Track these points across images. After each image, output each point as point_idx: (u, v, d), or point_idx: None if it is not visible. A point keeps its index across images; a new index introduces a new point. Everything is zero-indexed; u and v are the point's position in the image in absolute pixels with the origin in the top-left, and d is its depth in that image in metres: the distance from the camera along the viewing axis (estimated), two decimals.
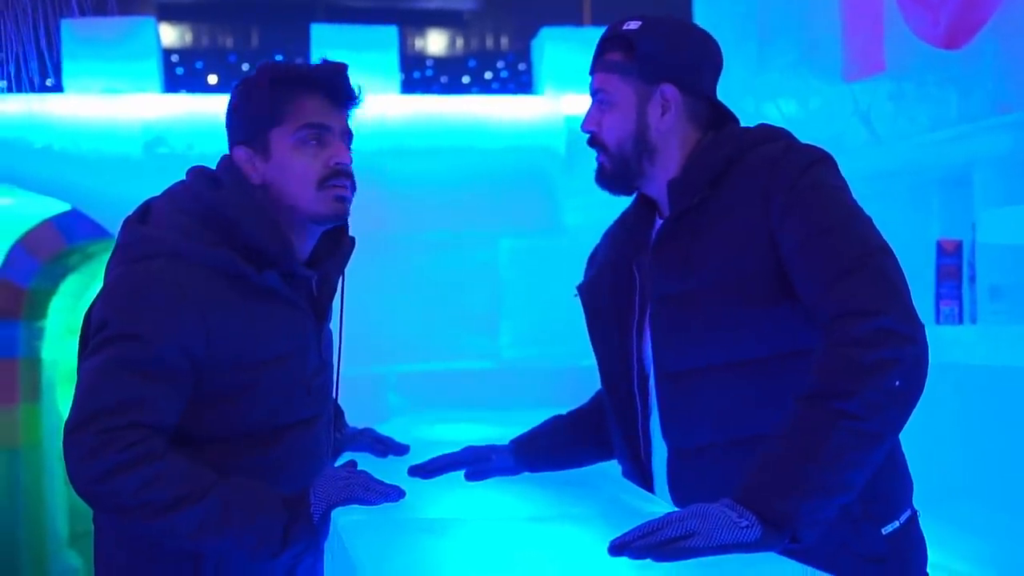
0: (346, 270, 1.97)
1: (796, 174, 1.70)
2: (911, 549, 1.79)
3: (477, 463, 2.02)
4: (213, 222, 1.82)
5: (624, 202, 1.94)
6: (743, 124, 1.86)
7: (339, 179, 1.86)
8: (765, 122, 1.86)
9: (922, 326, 1.60)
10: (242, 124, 1.89)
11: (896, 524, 1.75)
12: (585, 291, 1.95)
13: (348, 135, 1.91)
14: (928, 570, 1.82)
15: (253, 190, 1.86)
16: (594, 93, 1.86)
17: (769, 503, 1.47)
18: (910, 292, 1.63)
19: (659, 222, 1.86)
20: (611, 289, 1.90)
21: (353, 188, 1.90)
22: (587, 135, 1.87)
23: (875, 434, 1.54)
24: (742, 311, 1.70)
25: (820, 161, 1.73)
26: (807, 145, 1.78)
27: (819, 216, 1.67)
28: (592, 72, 1.86)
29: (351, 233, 1.97)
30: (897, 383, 1.54)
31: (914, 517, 1.81)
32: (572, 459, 2.08)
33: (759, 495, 1.48)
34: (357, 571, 1.43)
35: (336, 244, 1.97)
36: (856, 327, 1.57)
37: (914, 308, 1.61)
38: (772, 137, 1.80)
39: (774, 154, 1.74)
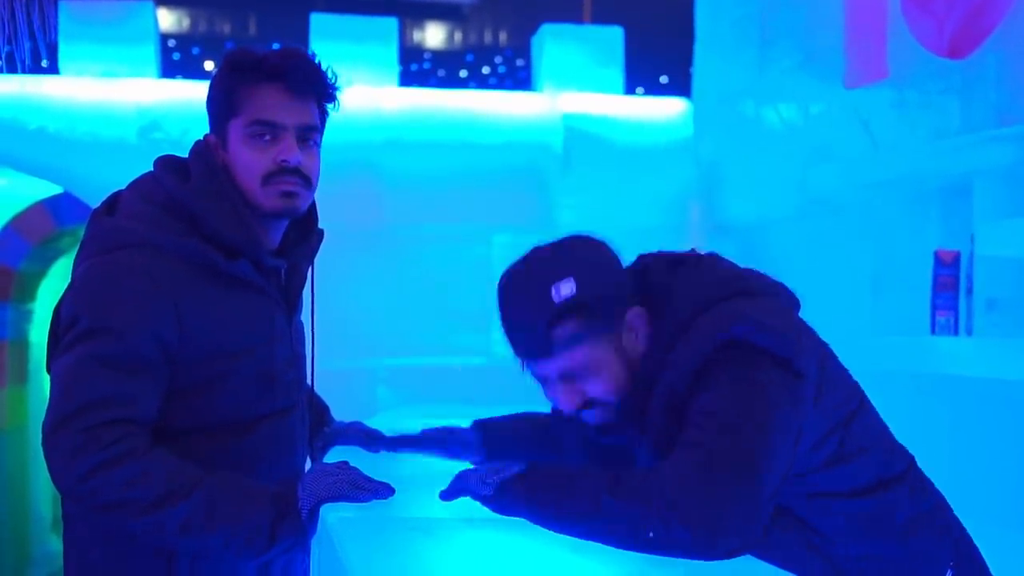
0: (323, 261, 1.99)
1: (725, 368, 1.52)
2: None
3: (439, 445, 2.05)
4: (178, 213, 1.79)
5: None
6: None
7: (284, 176, 1.82)
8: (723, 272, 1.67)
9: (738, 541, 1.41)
10: (209, 112, 1.89)
11: None
12: None
13: (309, 129, 1.85)
14: None
15: (223, 179, 1.83)
16: (561, 377, 1.65)
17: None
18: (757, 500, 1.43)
19: None
20: None
21: (306, 184, 1.85)
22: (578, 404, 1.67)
23: (600, 533, 1.44)
24: None
25: (760, 353, 1.53)
26: (752, 326, 1.54)
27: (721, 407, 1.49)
28: (542, 358, 1.64)
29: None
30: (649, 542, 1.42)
31: None
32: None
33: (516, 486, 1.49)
34: (346, 570, 1.41)
35: (305, 235, 1.95)
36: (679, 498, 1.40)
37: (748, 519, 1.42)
38: (707, 306, 1.60)
39: (708, 333, 1.55)
